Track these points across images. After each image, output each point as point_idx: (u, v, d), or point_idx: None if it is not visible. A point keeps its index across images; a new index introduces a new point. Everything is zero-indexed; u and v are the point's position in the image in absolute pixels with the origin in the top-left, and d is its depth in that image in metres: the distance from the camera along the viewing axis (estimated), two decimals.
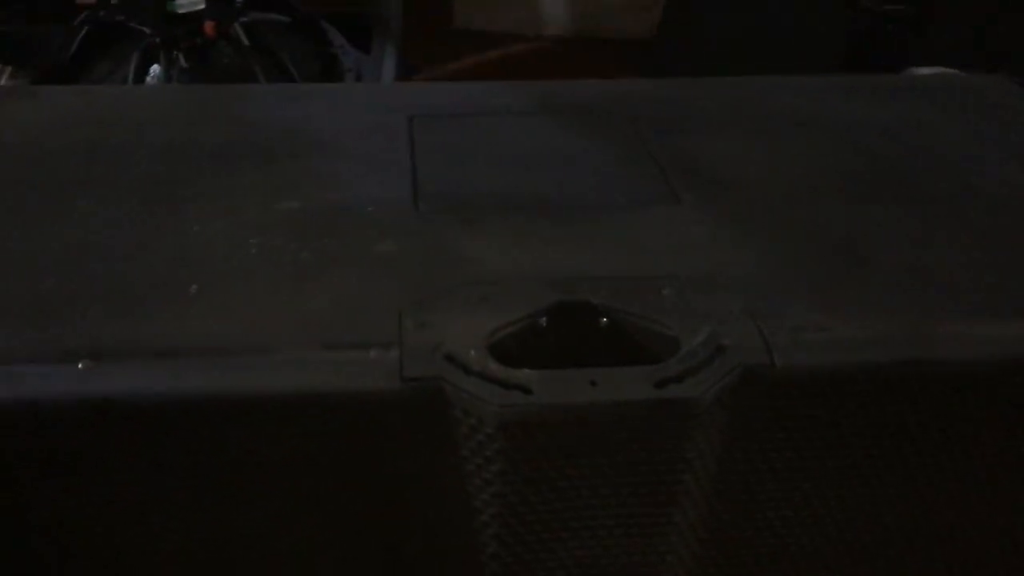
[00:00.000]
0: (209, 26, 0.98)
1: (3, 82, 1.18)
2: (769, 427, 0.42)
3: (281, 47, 1.06)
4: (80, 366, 0.38)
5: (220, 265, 0.45)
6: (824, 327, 0.42)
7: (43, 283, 0.43)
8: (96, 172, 0.52)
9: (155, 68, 0.97)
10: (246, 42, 1.03)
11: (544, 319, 0.43)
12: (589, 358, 0.41)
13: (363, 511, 0.42)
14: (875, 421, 0.42)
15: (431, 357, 0.40)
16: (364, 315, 0.42)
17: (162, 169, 0.52)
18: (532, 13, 1.87)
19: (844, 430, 0.42)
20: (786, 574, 0.47)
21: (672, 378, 0.39)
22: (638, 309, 0.43)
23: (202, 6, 0.98)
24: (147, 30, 0.98)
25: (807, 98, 0.64)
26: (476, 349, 0.40)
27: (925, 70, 0.80)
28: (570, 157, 0.56)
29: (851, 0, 0.87)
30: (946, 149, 0.58)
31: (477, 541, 0.43)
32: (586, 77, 0.68)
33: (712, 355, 0.40)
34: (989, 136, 0.59)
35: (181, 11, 0.96)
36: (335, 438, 0.40)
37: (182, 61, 0.98)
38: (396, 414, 0.39)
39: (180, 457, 0.39)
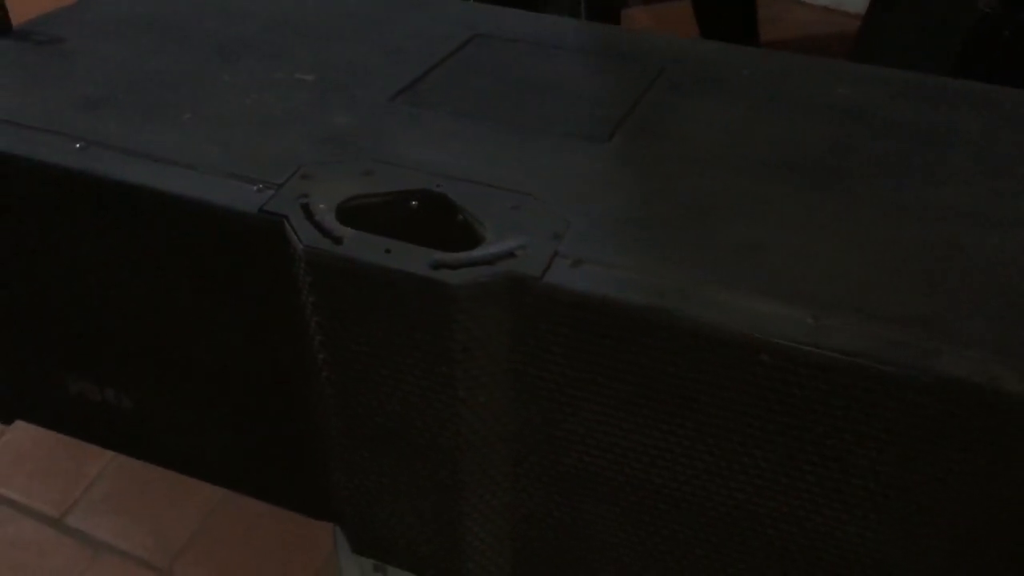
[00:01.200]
0: None
1: None
2: (536, 339, 0.48)
3: None
4: (78, 146, 0.55)
5: (215, 108, 0.59)
6: (612, 265, 0.47)
7: (88, 90, 0.60)
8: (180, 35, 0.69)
9: None
10: None
11: (403, 200, 0.52)
12: (425, 243, 0.50)
13: (236, 317, 0.55)
14: (625, 358, 0.47)
15: (291, 201, 0.51)
16: (280, 162, 0.54)
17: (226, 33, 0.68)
18: None
19: (600, 362, 0.47)
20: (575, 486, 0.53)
21: (447, 264, 0.47)
22: (478, 213, 0.51)
23: None
24: None
25: (835, 84, 0.64)
26: (326, 203, 0.51)
27: None
28: (564, 91, 0.63)
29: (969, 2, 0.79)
30: (933, 159, 0.57)
31: (317, 365, 0.54)
32: None
33: (495, 259, 0.48)
34: (996, 158, 0.57)
35: None
36: (218, 246, 0.53)
37: None
38: (255, 238, 0.51)
39: (98, 223, 0.54)
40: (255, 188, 0.52)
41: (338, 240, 0.49)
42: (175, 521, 0.98)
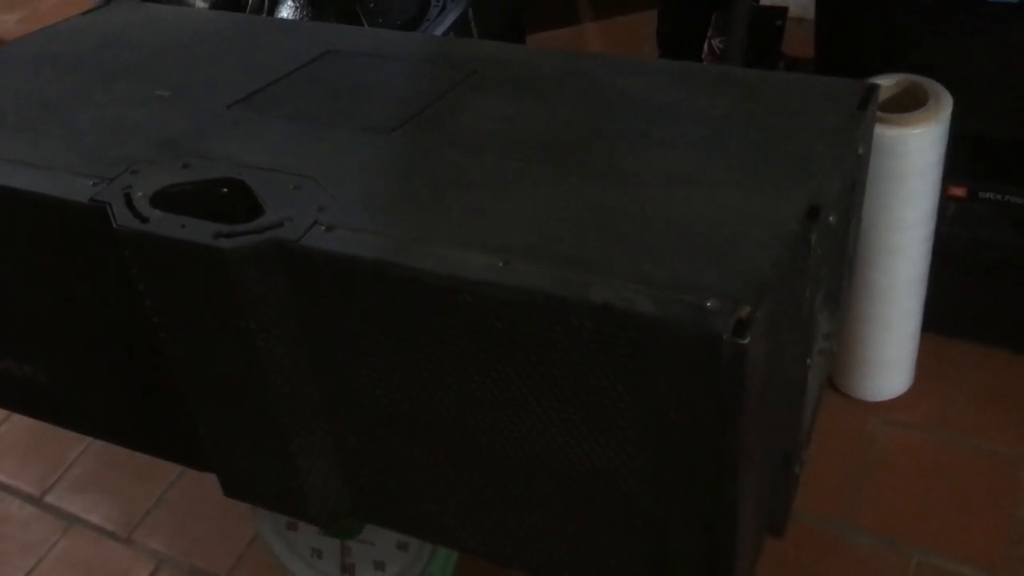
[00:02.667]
0: None
1: None
2: (305, 294, 0.58)
3: None
4: None
5: (81, 122, 0.71)
6: (359, 230, 0.57)
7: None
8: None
9: None
10: None
11: (212, 187, 0.63)
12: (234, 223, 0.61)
13: (94, 294, 0.67)
14: (371, 307, 0.57)
15: (117, 191, 0.62)
16: (119, 162, 0.65)
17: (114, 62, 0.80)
18: None
19: (353, 311, 0.57)
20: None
21: (225, 234, 0.58)
22: (265, 194, 0.62)
23: None
24: None
25: (620, 78, 0.73)
26: (144, 192, 0.62)
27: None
28: (377, 93, 0.74)
29: None
30: (667, 134, 0.65)
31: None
32: None
33: (264, 228, 0.58)
34: (725, 132, 0.65)
35: None
36: (65, 232, 0.65)
37: None
38: (90, 223, 0.63)
39: None
40: (91, 183, 0.63)
41: (145, 220, 0.60)
42: (137, 495, 1.11)
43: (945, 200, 0.95)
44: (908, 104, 0.84)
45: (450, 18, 1.18)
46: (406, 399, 0.60)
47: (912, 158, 0.82)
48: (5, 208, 0.66)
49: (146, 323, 0.66)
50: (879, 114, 0.82)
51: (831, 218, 0.59)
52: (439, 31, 1.19)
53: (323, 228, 0.57)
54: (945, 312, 1.03)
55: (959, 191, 0.96)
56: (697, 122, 0.67)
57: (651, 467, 0.55)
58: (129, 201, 0.61)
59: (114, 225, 0.60)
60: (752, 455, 0.54)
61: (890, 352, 0.99)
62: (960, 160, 0.93)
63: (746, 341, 0.47)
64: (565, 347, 0.52)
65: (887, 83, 0.86)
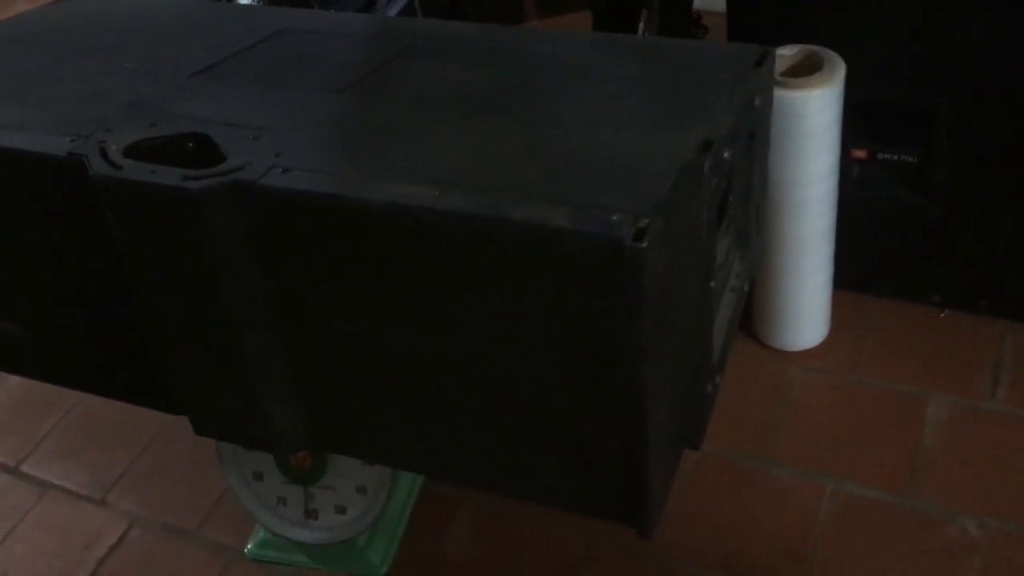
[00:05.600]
0: None
1: None
2: (263, 230, 0.66)
3: None
4: None
5: (56, 91, 0.78)
6: (312, 171, 0.65)
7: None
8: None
9: None
10: None
11: (179, 141, 0.71)
12: None
13: (72, 243, 0.74)
14: (324, 237, 0.64)
15: (92, 146, 0.69)
16: (92, 122, 0.73)
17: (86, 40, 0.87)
18: None
19: (308, 243, 0.65)
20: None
21: (192, 177, 0.66)
22: (228, 145, 0.69)
23: None
24: None
25: (546, 46, 0.82)
26: (117, 145, 0.69)
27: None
28: (326, 62, 0.81)
29: None
30: (582, 89, 0.74)
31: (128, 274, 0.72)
32: None
33: (227, 172, 0.66)
34: (633, 89, 0.74)
35: None
36: (45, 185, 0.72)
37: None
38: (68, 174, 0.70)
39: None
40: (68, 139, 0.70)
41: (119, 168, 0.67)
42: (109, 462, 1.17)
43: (849, 163, 1.05)
44: (808, 71, 0.94)
45: (397, 6, 1.26)
46: (354, 325, 0.68)
47: (811, 118, 0.92)
48: None
49: (117, 271, 0.73)
50: (782, 79, 0.92)
51: (725, 153, 0.67)
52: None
53: (280, 170, 0.65)
54: (853, 268, 1.12)
55: (861, 153, 1.06)
56: (610, 80, 0.76)
57: (569, 372, 0.63)
58: (104, 153, 0.68)
59: (90, 173, 0.67)
60: (657, 355, 0.62)
61: (804, 303, 1.08)
62: (861, 125, 1.02)
63: (644, 245, 0.55)
64: (492, 263, 0.60)
65: (789, 52, 0.96)
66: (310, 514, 0.99)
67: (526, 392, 0.65)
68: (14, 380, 1.30)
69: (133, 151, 0.69)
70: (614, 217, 0.57)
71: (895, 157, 1.05)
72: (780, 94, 0.88)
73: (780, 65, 0.93)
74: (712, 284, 0.71)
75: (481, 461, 0.71)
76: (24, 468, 1.18)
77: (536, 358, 0.63)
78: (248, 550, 1.04)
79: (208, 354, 0.73)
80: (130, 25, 0.93)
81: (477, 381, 0.66)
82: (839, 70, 0.93)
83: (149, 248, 0.68)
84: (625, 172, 0.63)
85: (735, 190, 0.75)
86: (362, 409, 0.73)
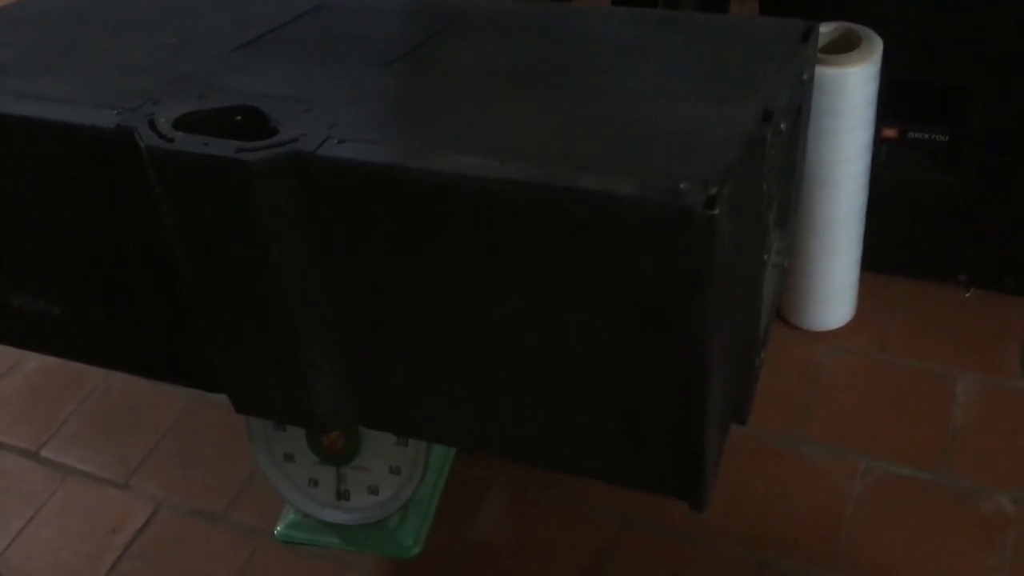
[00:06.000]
0: None
1: None
2: (318, 202, 0.65)
3: None
4: None
5: (95, 65, 0.77)
6: (368, 142, 0.64)
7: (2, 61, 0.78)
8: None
9: None
10: None
11: (228, 114, 0.70)
12: None
13: (116, 218, 0.73)
14: (380, 208, 0.64)
15: (141, 118, 0.69)
16: (137, 95, 0.72)
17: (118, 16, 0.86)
18: None
19: (365, 214, 0.64)
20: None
21: (247, 149, 0.65)
22: (279, 117, 0.68)
23: None
24: None
25: (592, 21, 0.81)
26: (166, 118, 0.68)
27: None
28: (368, 38, 0.81)
29: None
30: (632, 63, 0.74)
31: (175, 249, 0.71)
32: None
33: (282, 143, 0.65)
34: (680, 63, 0.74)
35: None
36: (92, 159, 0.71)
37: None
38: (117, 148, 0.69)
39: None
40: (115, 112, 0.69)
41: (171, 140, 0.66)
42: (132, 446, 1.16)
43: (879, 142, 1.05)
44: (844, 49, 0.94)
45: None
46: (408, 299, 0.67)
47: (849, 95, 0.92)
48: (29, 140, 0.72)
49: (161, 246, 0.72)
50: (820, 56, 0.91)
51: (782, 125, 0.67)
52: None
53: (335, 141, 0.64)
54: (880, 250, 1.12)
55: (891, 132, 1.06)
56: (659, 53, 0.75)
57: (629, 344, 0.62)
58: (153, 125, 0.68)
59: (142, 145, 0.66)
60: (719, 327, 0.62)
61: (834, 283, 1.08)
62: (892, 104, 1.02)
63: (715, 212, 0.55)
64: (556, 233, 0.60)
65: (825, 30, 0.96)
66: (342, 495, 0.99)
67: (584, 365, 0.65)
68: (30, 365, 1.29)
69: (182, 124, 0.68)
70: (682, 185, 0.57)
71: (926, 136, 1.05)
72: (818, 71, 0.88)
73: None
74: (765, 257, 0.71)
75: (533, 436, 0.71)
76: (44, 453, 1.17)
77: (596, 330, 0.63)
78: (278, 532, 1.03)
79: (254, 330, 0.72)
80: (158, 2, 0.92)
81: (534, 355, 0.66)
82: (877, 47, 0.93)
83: (199, 221, 0.68)
84: (687, 141, 0.62)
85: (783, 160, 0.75)
86: (412, 385, 0.73)
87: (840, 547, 0.93)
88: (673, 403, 0.64)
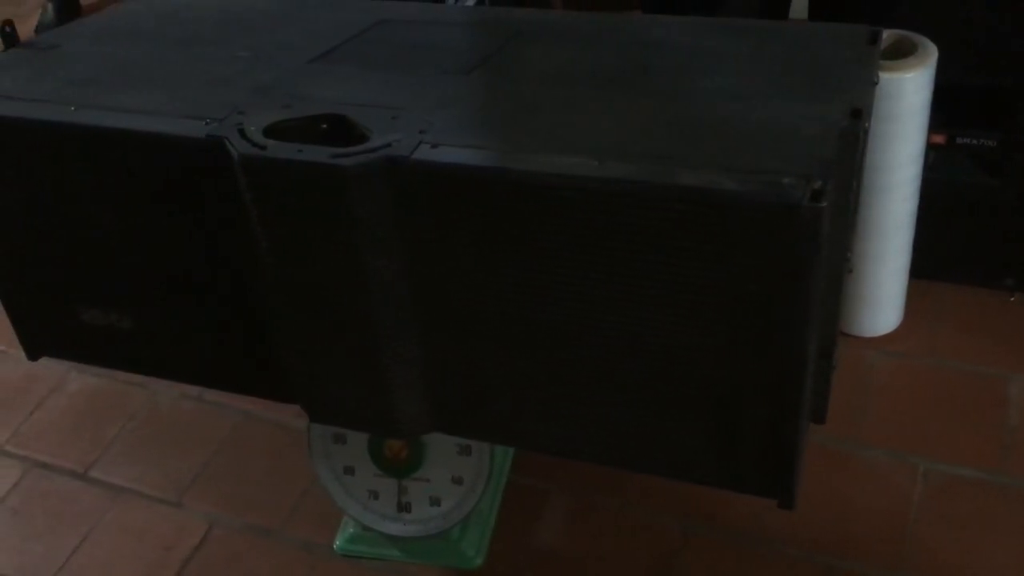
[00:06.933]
0: None
1: None
2: (412, 205, 0.66)
3: None
4: (72, 109, 0.73)
5: (173, 78, 0.78)
6: (460, 146, 0.65)
7: (78, 75, 0.79)
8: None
9: None
10: None
11: (315, 123, 0.70)
12: None
13: (198, 228, 0.73)
14: (475, 211, 0.64)
15: (230, 127, 0.69)
16: (222, 106, 0.72)
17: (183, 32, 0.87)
18: None
19: (458, 217, 0.65)
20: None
21: (341, 154, 0.65)
22: (368, 124, 0.69)
23: None
24: None
25: (654, 30, 0.83)
26: (255, 126, 0.69)
27: None
28: (441, 48, 0.82)
29: None
30: (707, 68, 0.75)
31: (262, 257, 0.71)
32: None
33: (376, 148, 0.66)
34: (753, 67, 0.75)
35: None
36: (180, 169, 0.71)
37: None
38: (206, 157, 0.69)
39: (89, 166, 0.73)
40: (204, 123, 0.70)
41: (264, 148, 0.67)
42: (182, 464, 1.16)
43: (927, 148, 1.06)
44: (896, 55, 0.95)
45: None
46: (499, 302, 0.68)
47: (905, 100, 0.93)
48: (112, 152, 0.73)
49: (239, 257, 0.73)
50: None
51: (866, 124, 0.68)
52: None
53: (429, 146, 0.65)
54: (927, 256, 1.13)
55: (939, 138, 1.07)
56: (732, 58, 0.76)
57: (726, 343, 0.63)
58: (244, 134, 0.68)
59: (234, 154, 0.67)
60: (815, 324, 0.62)
61: (883, 288, 1.09)
62: (940, 109, 1.04)
63: (822, 205, 0.56)
64: (656, 232, 0.60)
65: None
66: (403, 507, 0.99)
67: (680, 364, 0.65)
68: (73, 386, 1.29)
69: (271, 132, 0.69)
70: (785, 180, 0.57)
71: (974, 141, 1.06)
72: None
73: None
74: (848, 255, 0.72)
75: (622, 438, 0.71)
76: (93, 473, 1.16)
77: (694, 328, 0.63)
78: (337, 546, 1.03)
79: (340, 336, 0.72)
80: (222, 18, 0.93)
81: (628, 355, 0.66)
82: (932, 53, 0.94)
83: (291, 227, 0.68)
84: (781, 138, 0.63)
85: (858, 163, 0.76)
86: (497, 389, 0.73)
87: (905, 549, 0.93)
88: (769, 399, 0.65)
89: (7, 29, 0.78)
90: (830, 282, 0.70)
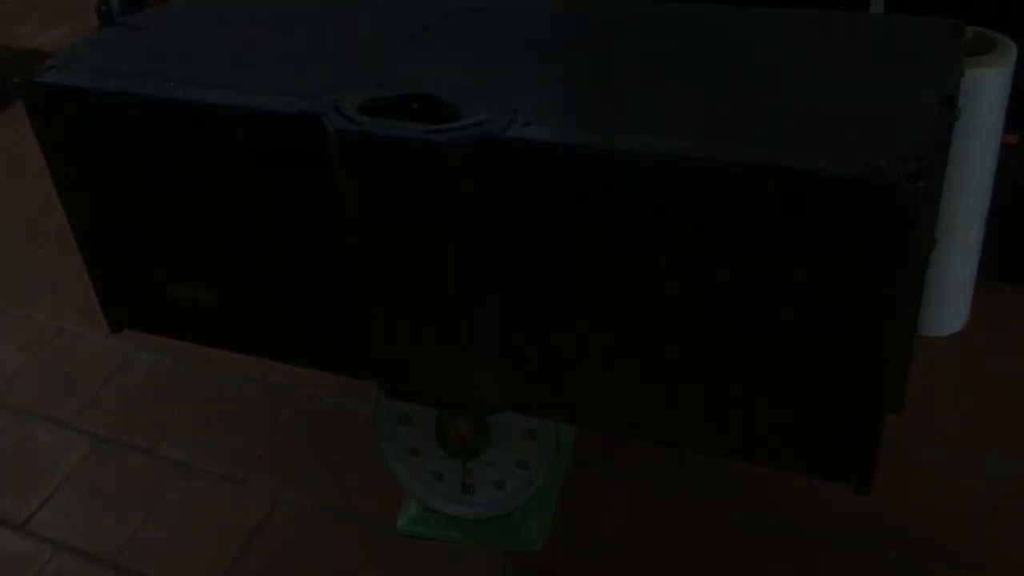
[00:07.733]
0: None
1: None
2: (503, 183, 0.67)
3: None
4: (171, 83, 0.75)
5: (268, 58, 0.80)
6: (552, 124, 0.66)
7: (176, 52, 0.81)
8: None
9: None
10: None
11: (407, 102, 0.72)
12: None
13: (291, 203, 0.75)
14: (566, 190, 0.65)
15: (326, 104, 0.71)
16: (316, 84, 0.74)
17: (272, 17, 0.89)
18: None
19: (550, 195, 0.66)
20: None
21: (435, 131, 0.67)
22: (459, 103, 0.70)
23: None
24: None
25: (738, 22, 0.83)
26: (350, 104, 0.71)
27: None
28: (526, 32, 0.83)
29: None
30: (803, 55, 0.75)
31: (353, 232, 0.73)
32: None
33: (470, 126, 0.67)
34: (829, 57, 0.76)
35: None
36: (275, 144, 0.73)
37: None
38: (301, 133, 0.71)
39: (186, 140, 0.75)
40: (297, 99, 0.72)
41: (360, 124, 0.68)
42: (247, 444, 1.18)
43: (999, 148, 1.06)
44: (974, 53, 0.95)
45: None
46: (587, 281, 0.68)
47: (985, 97, 0.93)
48: (205, 126, 0.74)
49: (328, 232, 0.74)
50: None
51: (957, 112, 0.69)
52: None
53: (520, 124, 0.66)
54: (995, 259, 1.13)
55: (1012, 139, 1.07)
56: (817, 47, 0.77)
57: (816, 322, 0.63)
58: (340, 110, 0.70)
59: (331, 129, 0.68)
60: (904, 308, 0.63)
61: (951, 288, 1.09)
62: (1013, 109, 1.03)
63: (919, 186, 0.56)
64: (750, 212, 0.61)
65: None
66: (467, 489, 1.00)
67: (766, 347, 0.66)
68: (141, 365, 1.31)
69: (364, 110, 0.70)
70: (881, 161, 0.58)
71: None
72: None
73: None
74: (935, 243, 0.72)
75: (701, 419, 0.72)
76: (160, 450, 1.18)
77: (783, 309, 0.64)
78: (400, 526, 1.04)
79: (423, 312, 0.73)
80: (307, 6, 0.95)
81: (714, 337, 0.67)
82: (1011, 51, 0.94)
83: (385, 203, 0.69)
84: (873, 122, 0.64)
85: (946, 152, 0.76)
86: (580, 370, 0.74)
87: (976, 545, 0.92)
88: (853, 380, 0.65)
89: (103, 7, 0.81)
90: (919, 267, 0.70)
